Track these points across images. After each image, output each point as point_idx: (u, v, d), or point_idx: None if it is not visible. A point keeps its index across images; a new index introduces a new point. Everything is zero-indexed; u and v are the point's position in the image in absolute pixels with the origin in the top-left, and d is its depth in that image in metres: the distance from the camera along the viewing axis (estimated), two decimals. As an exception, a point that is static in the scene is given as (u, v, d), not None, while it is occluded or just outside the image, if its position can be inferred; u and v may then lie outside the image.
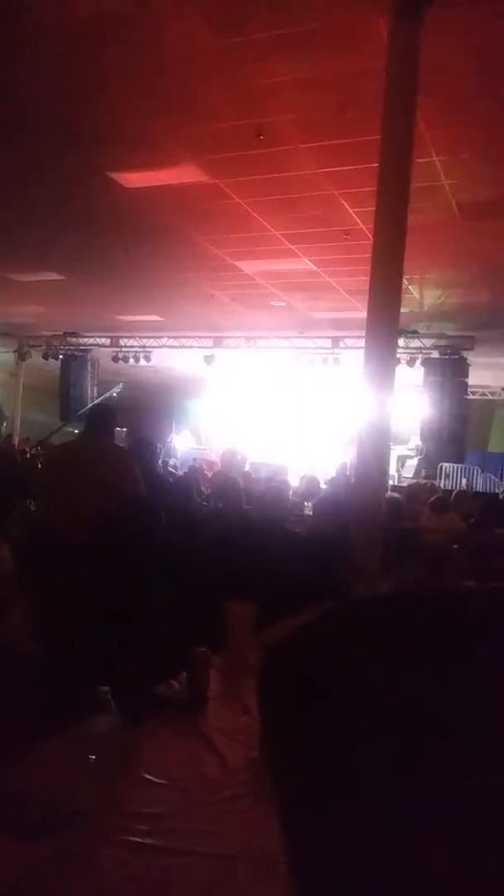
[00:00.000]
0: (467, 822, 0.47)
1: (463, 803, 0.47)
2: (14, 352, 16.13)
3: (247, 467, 11.29)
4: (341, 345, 13.11)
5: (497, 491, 13.59)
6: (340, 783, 0.50)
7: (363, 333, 4.38)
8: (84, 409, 12.01)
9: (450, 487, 12.74)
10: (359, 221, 7.15)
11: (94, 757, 1.65)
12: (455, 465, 14.43)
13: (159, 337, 14.43)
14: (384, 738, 0.51)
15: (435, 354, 12.22)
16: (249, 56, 4.66)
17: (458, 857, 0.46)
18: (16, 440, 14.40)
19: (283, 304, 11.35)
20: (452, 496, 8.65)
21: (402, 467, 14.32)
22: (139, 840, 1.42)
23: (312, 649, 0.58)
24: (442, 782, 0.48)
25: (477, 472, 15.71)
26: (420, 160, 4.34)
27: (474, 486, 14.85)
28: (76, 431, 9.28)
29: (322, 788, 0.50)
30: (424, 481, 12.25)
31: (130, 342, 14.87)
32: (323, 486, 9.10)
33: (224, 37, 4.49)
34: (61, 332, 15.30)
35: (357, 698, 0.52)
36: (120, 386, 14.36)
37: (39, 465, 4.85)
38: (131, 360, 14.81)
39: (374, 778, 0.50)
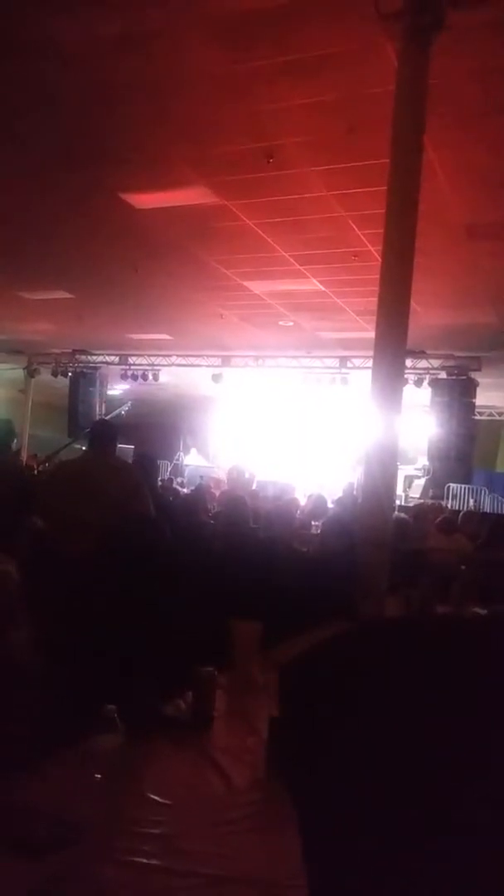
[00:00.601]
0: (468, 824, 0.49)
1: (463, 806, 0.50)
2: (24, 369, 16.24)
3: (254, 486, 11.28)
4: (349, 364, 13.14)
5: (505, 512, 13.53)
6: (351, 786, 0.52)
7: (371, 353, 4.39)
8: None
9: (457, 508, 12.70)
10: (367, 243, 7.20)
11: (99, 775, 1.65)
12: (462, 486, 14.38)
13: (168, 355, 14.51)
14: (390, 748, 0.53)
15: (442, 375, 12.23)
16: (259, 80, 4.73)
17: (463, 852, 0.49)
18: (24, 456, 14.45)
19: (291, 323, 11.40)
20: (459, 517, 8.62)
21: (410, 487, 14.29)
22: (143, 860, 1.42)
23: (329, 664, 0.62)
24: (444, 784, 0.50)
25: (485, 492, 15.65)
26: (428, 182, 4.37)
27: (482, 506, 14.80)
28: (83, 448, 9.31)
29: (334, 792, 0.53)
30: (432, 501, 12.21)
31: (139, 360, 14.96)
32: (330, 505, 9.08)
33: (235, 61, 4.56)
34: (70, 350, 15.40)
35: (368, 711, 0.54)
36: (128, 404, 14.42)
37: (46, 482, 4.86)
38: (140, 379, 14.89)
39: (378, 781, 0.53)
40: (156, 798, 1.67)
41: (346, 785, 0.55)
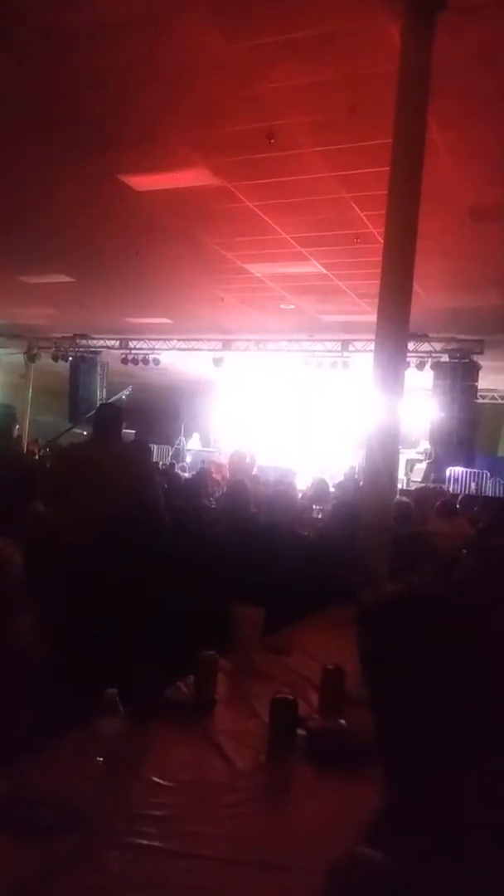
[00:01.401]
0: None
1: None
2: (24, 353, 16.19)
3: (255, 470, 11.27)
4: (351, 348, 13.10)
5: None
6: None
7: (373, 337, 4.37)
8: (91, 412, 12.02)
9: (458, 492, 12.69)
10: (369, 225, 7.14)
11: (102, 759, 1.65)
12: (464, 470, 14.37)
13: (168, 339, 14.46)
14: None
15: (445, 358, 12.19)
16: (260, 60, 4.67)
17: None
18: (24, 442, 14.44)
19: (292, 307, 11.35)
20: (458, 500, 8.61)
21: (411, 471, 14.28)
22: (146, 842, 1.42)
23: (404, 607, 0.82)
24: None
25: (486, 476, 15.64)
26: (431, 163, 4.33)
27: (483, 490, 14.79)
28: (84, 433, 9.29)
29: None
30: (433, 485, 12.20)
31: (140, 344, 14.91)
32: (332, 489, 9.07)
33: (235, 41, 4.50)
34: (71, 335, 15.35)
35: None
36: (129, 389, 14.38)
37: (49, 467, 4.85)
38: (140, 363, 14.85)
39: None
40: (158, 781, 1.67)
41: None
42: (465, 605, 0.85)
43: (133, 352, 14.96)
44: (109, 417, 4.09)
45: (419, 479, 13.63)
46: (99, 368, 15.44)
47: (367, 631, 0.90)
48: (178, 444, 16.71)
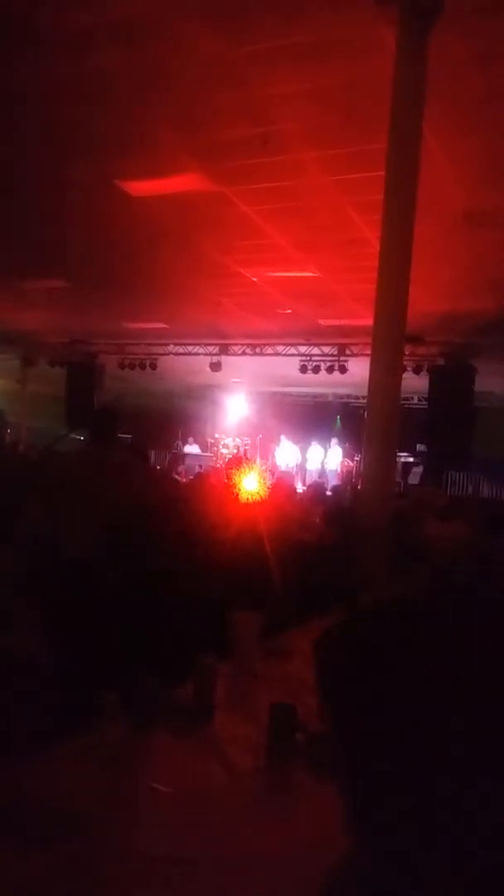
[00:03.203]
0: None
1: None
2: (20, 359, 16.17)
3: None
4: (347, 352, 13.11)
5: None
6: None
7: (370, 341, 4.38)
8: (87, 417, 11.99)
9: (455, 495, 12.71)
10: (365, 230, 7.16)
11: (102, 765, 1.65)
12: (461, 473, 14.39)
13: (165, 344, 14.45)
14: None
15: (441, 362, 12.20)
16: (256, 65, 4.68)
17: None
18: (21, 447, 14.42)
19: (289, 311, 11.36)
20: (448, 502, 8.62)
21: (408, 475, 14.30)
22: (146, 848, 1.42)
23: (364, 632, 0.71)
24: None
25: (482, 479, 15.67)
26: (427, 168, 4.35)
27: (480, 493, 14.82)
28: (81, 438, 9.27)
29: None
30: (430, 488, 12.21)
31: (137, 349, 14.90)
32: (329, 493, 9.09)
33: (231, 46, 4.51)
34: (68, 340, 15.33)
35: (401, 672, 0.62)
36: (126, 394, 14.38)
37: (47, 473, 4.84)
38: (137, 368, 14.84)
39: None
40: (158, 786, 1.67)
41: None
42: (453, 617, 0.73)
43: (130, 357, 14.95)
44: (106, 424, 4.10)
45: (416, 483, 13.65)
46: (96, 374, 15.42)
47: (338, 652, 0.77)
48: (176, 449, 16.71)
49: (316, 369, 13.45)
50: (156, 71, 4.90)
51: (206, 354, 14.23)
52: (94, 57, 4.78)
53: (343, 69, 4.66)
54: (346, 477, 13.35)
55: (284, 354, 13.80)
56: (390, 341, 4.28)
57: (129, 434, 12.01)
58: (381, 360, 4.27)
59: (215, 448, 16.75)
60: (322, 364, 13.38)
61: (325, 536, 4.62)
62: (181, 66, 4.81)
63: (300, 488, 10.87)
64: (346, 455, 15.32)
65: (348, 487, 10.31)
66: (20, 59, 4.89)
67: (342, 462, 15.33)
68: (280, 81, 4.83)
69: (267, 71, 4.73)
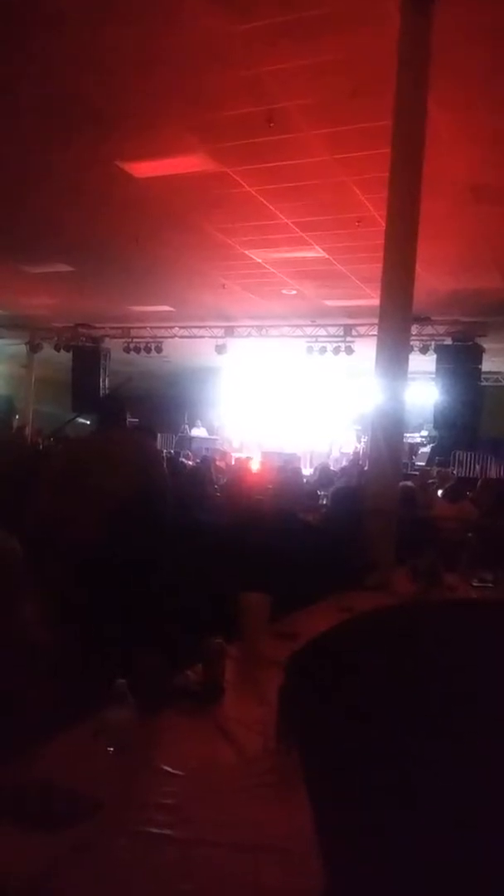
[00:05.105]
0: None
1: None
2: (26, 344, 16.17)
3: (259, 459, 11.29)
4: (354, 333, 13.03)
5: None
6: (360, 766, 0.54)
7: (376, 321, 4.35)
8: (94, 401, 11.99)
9: (463, 475, 12.68)
10: (371, 208, 7.09)
11: (111, 749, 1.66)
12: (468, 453, 14.34)
13: (170, 327, 14.41)
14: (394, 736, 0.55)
15: (448, 341, 12.12)
16: (259, 41, 4.61)
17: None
18: (28, 432, 14.45)
19: (294, 292, 11.29)
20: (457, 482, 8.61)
21: (416, 455, 14.27)
22: (157, 830, 1.43)
23: (335, 656, 0.62)
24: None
25: (490, 459, 15.62)
26: (432, 144, 4.28)
27: (488, 473, 14.78)
28: (88, 422, 9.29)
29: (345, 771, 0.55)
30: (438, 469, 12.20)
31: (142, 333, 14.86)
32: (336, 472, 9.08)
33: (233, 23, 4.44)
34: (73, 324, 15.31)
35: (374, 697, 0.55)
36: (132, 378, 14.37)
37: (55, 458, 4.84)
38: (143, 351, 14.81)
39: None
40: (168, 769, 1.68)
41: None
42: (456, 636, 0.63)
43: (135, 340, 14.92)
44: (113, 409, 4.10)
45: (423, 463, 13.63)
46: (101, 357, 15.40)
47: (306, 688, 0.65)
48: (183, 433, 16.71)
49: (322, 351, 13.38)
50: (159, 49, 4.83)
51: (211, 337, 14.18)
52: (95, 37, 4.72)
53: (347, 44, 4.58)
54: (355, 458, 13.29)
55: (290, 336, 13.73)
56: (397, 321, 4.25)
57: (136, 418, 12.01)
58: (387, 341, 4.24)
59: (222, 431, 16.74)
60: (328, 345, 13.31)
61: (332, 517, 4.62)
62: (184, 43, 4.74)
63: (308, 471, 10.87)
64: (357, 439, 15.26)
65: (355, 469, 10.30)
66: (21, 39, 4.83)
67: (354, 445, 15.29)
68: (283, 58, 4.76)
69: (270, 47, 4.66)
